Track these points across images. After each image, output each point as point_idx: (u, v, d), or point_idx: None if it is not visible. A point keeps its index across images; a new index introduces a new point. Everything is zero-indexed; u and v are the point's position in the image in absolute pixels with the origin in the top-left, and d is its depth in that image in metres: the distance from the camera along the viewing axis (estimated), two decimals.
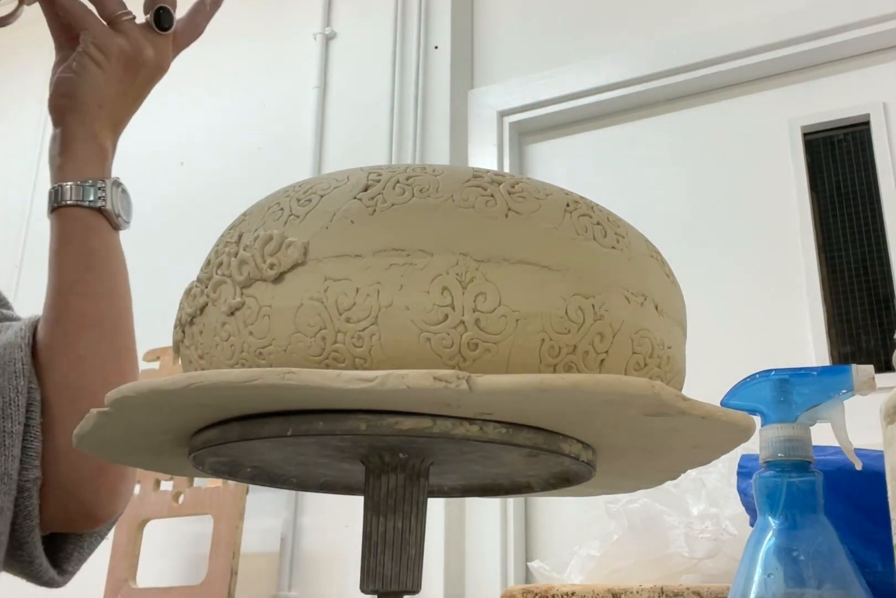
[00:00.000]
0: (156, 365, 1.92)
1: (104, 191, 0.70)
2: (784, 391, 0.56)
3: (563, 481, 0.57)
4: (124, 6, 0.74)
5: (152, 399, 0.44)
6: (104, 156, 0.71)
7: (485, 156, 2.01)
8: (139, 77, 0.73)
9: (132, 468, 0.69)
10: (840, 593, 0.50)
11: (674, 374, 0.51)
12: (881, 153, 1.69)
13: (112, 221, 0.72)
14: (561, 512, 1.76)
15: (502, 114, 2.04)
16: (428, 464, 0.51)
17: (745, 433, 0.50)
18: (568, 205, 0.48)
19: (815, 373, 0.57)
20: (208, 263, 0.51)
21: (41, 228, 2.42)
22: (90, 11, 0.71)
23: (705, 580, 0.92)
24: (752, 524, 0.73)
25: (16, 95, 2.67)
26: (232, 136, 2.27)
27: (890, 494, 0.55)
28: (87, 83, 0.70)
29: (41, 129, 2.55)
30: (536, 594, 0.92)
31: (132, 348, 0.71)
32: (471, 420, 0.45)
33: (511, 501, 1.76)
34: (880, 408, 0.57)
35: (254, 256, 0.47)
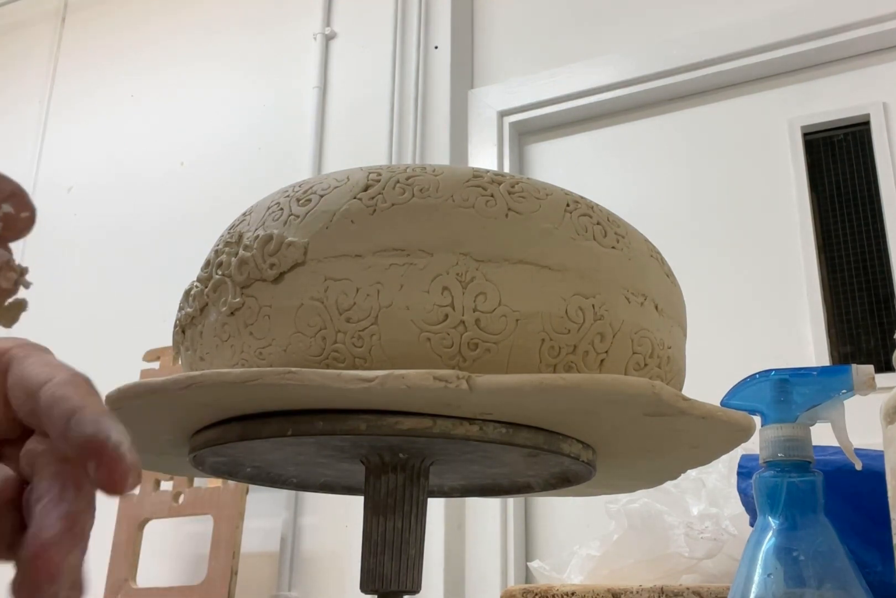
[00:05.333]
0: (156, 365, 1.91)
1: None
2: (784, 391, 0.56)
3: (563, 481, 0.57)
4: None
5: (152, 399, 0.44)
6: None
7: (485, 156, 2.01)
8: None
9: None
10: (840, 593, 0.50)
11: (674, 374, 0.51)
12: (881, 153, 1.68)
13: None
14: (561, 512, 1.76)
15: (502, 114, 2.04)
16: (428, 464, 0.51)
17: (745, 433, 0.50)
18: (568, 205, 0.48)
19: (815, 373, 0.56)
20: (208, 263, 0.50)
21: (41, 228, 2.42)
22: None
23: (705, 580, 0.92)
24: (752, 524, 0.73)
25: (16, 96, 2.67)
26: (232, 136, 2.27)
27: (890, 494, 0.55)
28: None
29: (41, 129, 2.55)
30: (536, 594, 0.92)
31: None
32: (471, 420, 0.45)
33: (511, 501, 1.76)
34: (880, 408, 0.57)
35: (254, 256, 0.47)
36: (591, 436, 0.50)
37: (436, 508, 1.64)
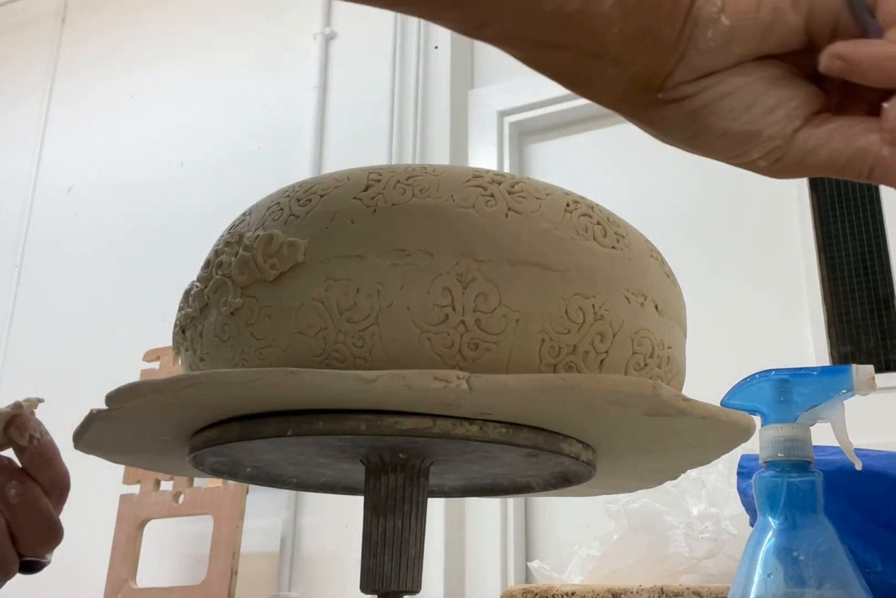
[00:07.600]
0: (156, 365, 1.91)
1: None
2: (784, 391, 0.56)
3: (563, 481, 0.57)
4: None
5: (152, 399, 0.44)
6: None
7: (485, 156, 2.01)
8: None
9: None
10: (840, 593, 0.50)
11: (674, 374, 0.51)
12: None
13: None
14: (561, 512, 1.76)
15: (502, 114, 2.04)
16: (428, 464, 0.51)
17: (745, 433, 0.50)
18: (568, 205, 0.48)
19: (815, 373, 0.56)
20: (208, 263, 0.50)
21: (41, 228, 2.42)
22: None
23: (705, 580, 0.92)
24: (752, 524, 0.73)
25: (15, 95, 2.67)
26: (232, 136, 2.27)
27: None
28: None
29: (41, 128, 2.55)
30: (536, 594, 0.92)
31: None
32: (471, 420, 0.45)
33: (511, 501, 1.76)
34: None
35: (254, 257, 0.47)
36: (591, 436, 0.50)
37: (436, 508, 1.64)
